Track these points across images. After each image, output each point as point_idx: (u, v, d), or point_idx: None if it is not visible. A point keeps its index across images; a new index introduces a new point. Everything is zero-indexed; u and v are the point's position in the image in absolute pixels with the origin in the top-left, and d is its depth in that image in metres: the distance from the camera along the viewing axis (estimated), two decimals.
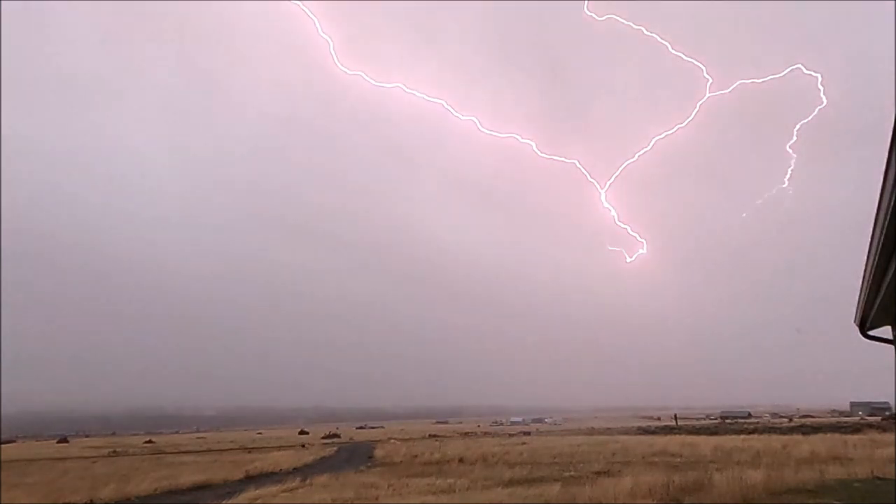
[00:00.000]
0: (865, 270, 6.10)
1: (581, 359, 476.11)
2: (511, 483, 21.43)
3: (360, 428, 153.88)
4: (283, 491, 21.36)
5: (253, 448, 62.43)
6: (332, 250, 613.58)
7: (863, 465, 21.16)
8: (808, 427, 64.49)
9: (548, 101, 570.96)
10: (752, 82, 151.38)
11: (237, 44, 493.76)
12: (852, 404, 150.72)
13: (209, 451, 62.18)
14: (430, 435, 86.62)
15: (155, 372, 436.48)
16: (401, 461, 35.53)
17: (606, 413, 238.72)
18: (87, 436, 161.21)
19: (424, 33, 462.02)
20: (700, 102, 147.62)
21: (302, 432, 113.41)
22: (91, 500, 21.10)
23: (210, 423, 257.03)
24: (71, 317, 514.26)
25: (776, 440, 41.31)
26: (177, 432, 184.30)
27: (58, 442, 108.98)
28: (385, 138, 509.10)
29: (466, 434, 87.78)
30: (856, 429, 56.47)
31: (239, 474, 29.52)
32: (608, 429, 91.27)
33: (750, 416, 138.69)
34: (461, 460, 33.48)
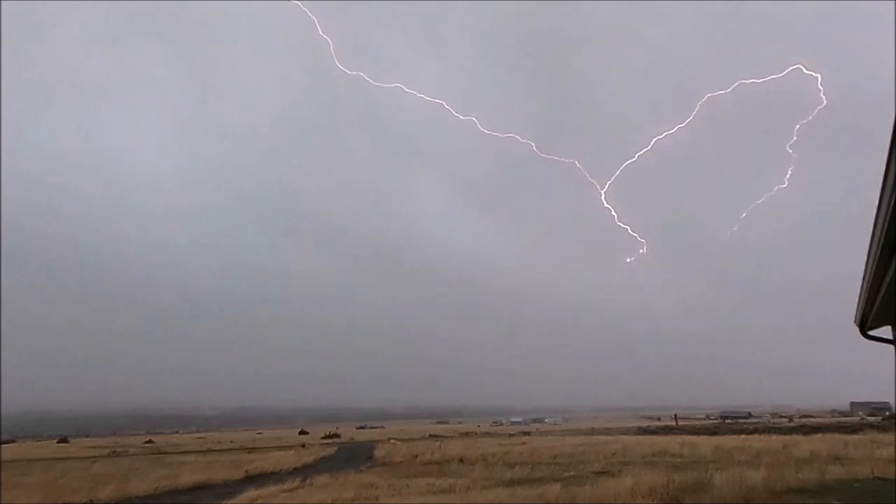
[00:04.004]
0: (865, 270, 6.09)
1: (581, 359, 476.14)
2: (511, 483, 21.40)
3: (360, 428, 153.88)
4: (284, 491, 21.34)
5: (253, 448, 62.42)
6: (332, 250, 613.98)
7: (863, 465, 21.16)
8: (808, 427, 64.52)
9: (548, 101, 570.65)
10: (752, 82, 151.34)
11: (237, 44, 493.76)
12: (852, 404, 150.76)
13: (209, 451, 62.18)
14: (430, 435, 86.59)
15: (155, 372, 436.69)
16: (401, 461, 35.47)
17: (606, 413, 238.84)
18: (87, 436, 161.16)
19: (424, 34, 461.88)
20: (700, 102, 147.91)
21: (302, 432, 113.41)
22: (91, 500, 21.08)
23: (210, 423, 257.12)
24: (70, 316, 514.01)
25: (776, 440, 41.29)
26: (177, 432, 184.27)
27: (58, 442, 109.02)
28: (385, 138, 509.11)
29: (466, 434, 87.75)
30: (856, 429, 56.48)
31: (239, 474, 29.51)
32: (608, 429, 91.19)
33: (750, 416, 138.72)
34: (461, 460, 33.42)
